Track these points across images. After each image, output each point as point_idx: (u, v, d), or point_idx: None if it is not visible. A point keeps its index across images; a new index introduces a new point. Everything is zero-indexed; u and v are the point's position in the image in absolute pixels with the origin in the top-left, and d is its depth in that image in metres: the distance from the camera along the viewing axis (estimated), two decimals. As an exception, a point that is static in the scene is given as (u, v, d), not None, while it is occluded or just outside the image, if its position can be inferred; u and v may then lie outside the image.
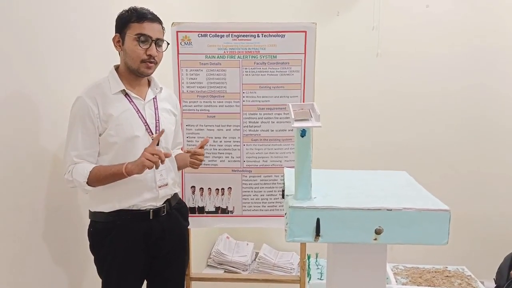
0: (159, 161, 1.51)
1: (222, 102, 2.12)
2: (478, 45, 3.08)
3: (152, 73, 1.66)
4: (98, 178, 1.54)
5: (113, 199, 1.60)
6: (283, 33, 2.05)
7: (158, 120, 1.68)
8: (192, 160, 1.83)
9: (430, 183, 1.17)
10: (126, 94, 1.62)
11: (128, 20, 1.58)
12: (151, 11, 1.62)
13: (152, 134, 1.64)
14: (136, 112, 1.62)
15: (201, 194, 2.20)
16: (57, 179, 1.67)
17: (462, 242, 2.94)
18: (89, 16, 1.88)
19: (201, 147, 1.82)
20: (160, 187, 1.67)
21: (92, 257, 1.69)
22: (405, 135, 3.23)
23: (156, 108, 1.69)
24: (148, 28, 1.57)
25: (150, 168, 1.51)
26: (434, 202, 1.01)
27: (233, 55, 2.08)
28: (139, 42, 1.57)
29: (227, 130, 2.14)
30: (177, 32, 2.06)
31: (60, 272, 1.75)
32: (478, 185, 3.17)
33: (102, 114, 1.56)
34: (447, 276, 1.81)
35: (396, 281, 1.75)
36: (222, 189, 2.19)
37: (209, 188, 2.19)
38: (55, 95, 1.68)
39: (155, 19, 1.61)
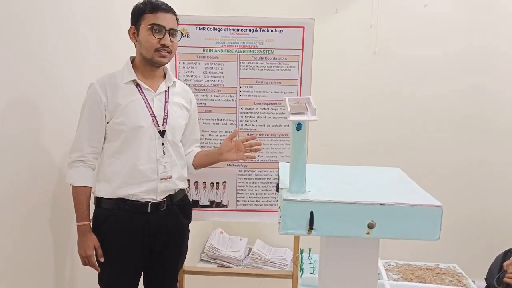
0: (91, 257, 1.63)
1: (219, 96, 2.12)
2: (476, 45, 3.09)
3: (167, 62, 1.69)
4: (74, 194, 1.62)
5: (114, 184, 1.62)
6: (281, 28, 2.05)
7: (167, 113, 1.69)
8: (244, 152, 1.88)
9: (423, 181, 1.18)
10: (137, 85, 1.65)
11: (142, 11, 1.62)
12: (165, 2, 1.65)
13: (158, 126, 1.66)
14: (145, 102, 1.65)
15: (196, 188, 2.20)
16: (56, 169, 1.69)
17: (454, 241, 2.96)
18: (92, 15, 1.89)
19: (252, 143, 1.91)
20: (162, 179, 1.66)
21: None
22: (400, 133, 3.25)
23: (166, 101, 1.70)
24: (162, 18, 1.61)
25: (82, 261, 1.65)
26: (426, 198, 1.02)
27: (230, 49, 2.08)
28: (153, 32, 1.60)
29: (223, 124, 2.14)
30: (175, 24, 2.05)
31: (56, 258, 1.76)
32: (472, 184, 3.20)
33: (109, 103, 1.61)
34: (438, 273, 1.83)
35: (388, 277, 1.76)
36: (217, 183, 2.19)
37: (204, 182, 2.19)
38: (59, 93, 1.70)
39: (168, 9, 1.64)
